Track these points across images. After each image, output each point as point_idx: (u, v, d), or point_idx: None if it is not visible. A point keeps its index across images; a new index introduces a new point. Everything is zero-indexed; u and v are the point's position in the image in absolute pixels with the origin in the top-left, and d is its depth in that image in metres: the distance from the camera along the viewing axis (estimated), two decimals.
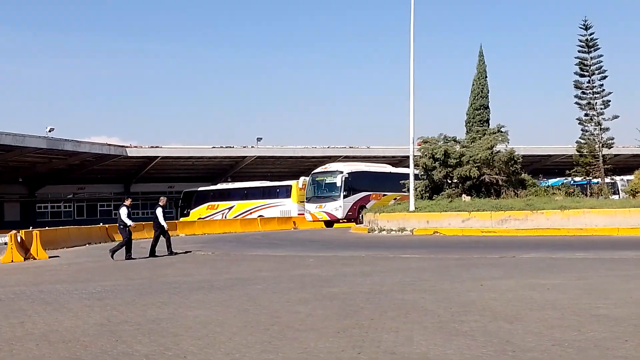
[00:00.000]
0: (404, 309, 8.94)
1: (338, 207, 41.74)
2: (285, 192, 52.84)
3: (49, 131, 47.63)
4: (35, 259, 21.61)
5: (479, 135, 33.45)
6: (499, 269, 13.45)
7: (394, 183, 43.72)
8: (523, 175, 34.22)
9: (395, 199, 43.13)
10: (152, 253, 21.00)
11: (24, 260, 21.08)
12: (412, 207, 29.00)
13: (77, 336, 7.81)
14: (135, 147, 55.09)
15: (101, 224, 36.93)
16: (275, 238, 30.10)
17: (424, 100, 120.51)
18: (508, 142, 33.39)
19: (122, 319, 8.87)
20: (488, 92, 36.30)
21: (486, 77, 36.48)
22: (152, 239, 21.64)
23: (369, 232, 29.93)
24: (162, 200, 21.91)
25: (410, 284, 11.45)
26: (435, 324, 7.85)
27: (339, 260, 16.76)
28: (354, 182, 42.47)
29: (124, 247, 20.53)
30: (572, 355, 6.17)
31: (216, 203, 52.50)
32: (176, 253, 21.55)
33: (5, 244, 22.85)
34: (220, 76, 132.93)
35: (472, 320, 7.98)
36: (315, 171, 45.49)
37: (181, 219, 48.92)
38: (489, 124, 35.45)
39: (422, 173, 33.66)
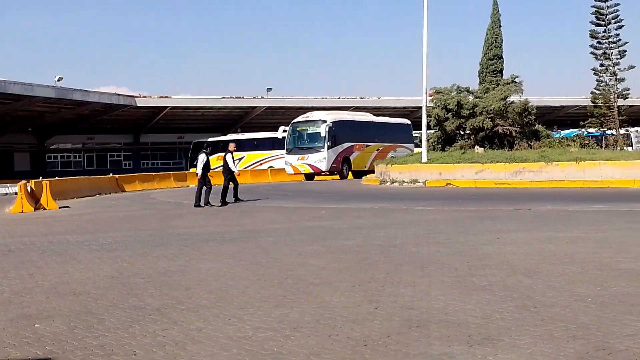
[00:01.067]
0: (420, 262, 8.75)
1: (322, 158, 39.50)
2: None
3: (58, 80, 47.30)
4: (45, 209, 21.53)
5: (493, 85, 32.99)
6: (514, 222, 13.24)
7: (378, 133, 43.50)
8: (537, 126, 33.85)
9: (377, 149, 42.40)
10: (224, 200, 20.76)
11: (34, 210, 21.01)
12: (424, 159, 28.74)
13: (87, 289, 7.66)
14: (145, 97, 54.74)
15: (111, 174, 36.89)
16: (285, 189, 29.93)
17: (436, 51, 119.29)
18: (522, 93, 33.00)
19: (133, 271, 8.73)
20: (502, 42, 35.74)
21: (500, 26, 35.87)
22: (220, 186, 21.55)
23: (380, 184, 29.70)
24: (232, 146, 21.63)
25: (424, 237, 11.26)
26: (452, 278, 7.67)
27: (352, 212, 16.57)
28: (338, 132, 40.46)
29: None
30: (595, 311, 5.97)
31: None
32: (242, 200, 21.41)
33: (16, 193, 22.80)
34: (230, 27, 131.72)
35: (490, 275, 7.78)
36: (296, 120, 42.76)
37: (191, 170, 48.77)
38: (502, 75, 34.98)
39: (434, 124, 33.28)
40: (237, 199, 21.20)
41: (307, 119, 41.95)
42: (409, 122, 48.63)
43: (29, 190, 21.91)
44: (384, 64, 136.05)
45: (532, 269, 8.00)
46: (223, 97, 57.20)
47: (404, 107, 60.85)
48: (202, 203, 20.07)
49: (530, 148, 30.36)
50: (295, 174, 41.10)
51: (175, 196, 27.20)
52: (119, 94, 53.13)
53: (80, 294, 7.37)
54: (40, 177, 27.29)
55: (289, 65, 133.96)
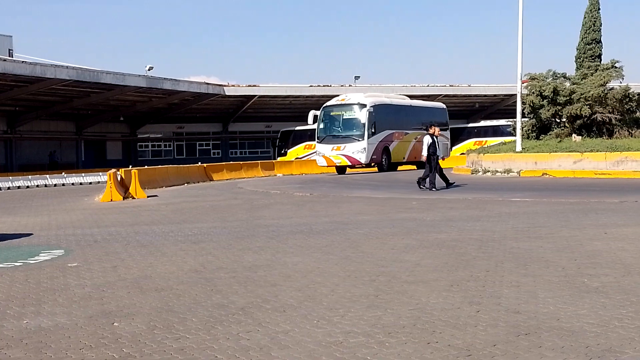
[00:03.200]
0: (522, 259, 8.10)
1: (362, 149, 33.84)
2: None
3: (148, 70, 48.01)
4: (134, 198, 21.64)
5: (591, 71, 31.52)
6: (621, 215, 12.33)
7: (416, 119, 38.52)
8: (638, 114, 32.16)
9: (415, 138, 36.84)
10: (447, 181, 20.32)
11: (123, 199, 21.12)
12: (518, 148, 27.75)
13: (170, 284, 7.34)
14: (233, 86, 54.98)
15: (200, 163, 37.16)
16: (374, 179, 29.36)
17: (530, 36, 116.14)
18: (622, 79, 31.41)
19: (218, 265, 8.38)
20: (601, 26, 34.07)
21: (599, 9, 34.21)
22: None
23: (472, 174, 28.88)
24: (436, 130, 20.61)
25: (524, 231, 10.55)
26: (560, 277, 7.00)
27: (444, 204, 15.89)
28: (378, 118, 34.98)
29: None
30: None
31: (314, 143, 51.70)
32: (424, 188, 20.06)
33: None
34: (318, 15, 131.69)
35: (602, 274, 7.09)
36: (329, 104, 36.83)
37: (279, 159, 48.75)
38: (601, 60, 33.39)
39: (529, 111, 32.01)
40: (421, 184, 19.97)
41: (343, 102, 36.24)
42: (444, 106, 44.18)
43: (119, 179, 22.07)
44: (473, 51, 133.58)
45: None
46: (311, 86, 56.89)
47: (495, 95, 59.27)
48: (426, 185, 19.57)
49: (631, 136, 28.91)
50: (328, 166, 36.03)
51: (262, 185, 27.05)
52: (207, 83, 53.54)
53: (162, 290, 7.05)
54: (130, 166, 27.56)
55: (377, 53, 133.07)
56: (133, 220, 14.70)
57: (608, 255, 8.16)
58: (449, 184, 20.11)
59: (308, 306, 6.14)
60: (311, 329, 5.40)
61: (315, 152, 38.89)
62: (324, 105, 36.64)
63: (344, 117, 35.38)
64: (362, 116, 34.09)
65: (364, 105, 34.52)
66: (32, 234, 12.48)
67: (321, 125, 35.83)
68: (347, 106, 35.54)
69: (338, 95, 38.66)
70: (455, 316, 5.63)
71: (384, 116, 35.75)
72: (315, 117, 35.88)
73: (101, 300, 6.66)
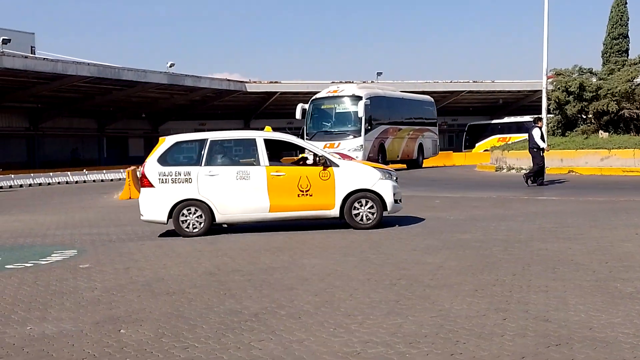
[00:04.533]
0: (550, 262, 7.74)
1: (359, 146, 29.28)
2: None
3: (170, 66, 47.83)
4: None
5: (618, 66, 30.85)
6: None
7: (408, 112, 35.10)
8: None
9: (408, 134, 34.07)
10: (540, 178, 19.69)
11: None
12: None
13: (182, 287, 7.07)
14: (255, 82, 54.79)
15: None
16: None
17: (555, 31, 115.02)
18: None
19: (233, 267, 8.09)
20: (628, 20, 33.40)
21: (626, 3, 33.52)
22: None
23: (496, 171, 28.38)
24: (541, 123, 20.37)
25: (552, 231, 10.17)
26: (591, 282, 6.64)
27: (468, 202, 15.50)
28: (374, 112, 30.62)
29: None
30: None
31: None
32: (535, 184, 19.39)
33: None
34: (339, 10, 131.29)
35: (636, 279, 6.73)
36: (318, 96, 32.08)
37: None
38: (628, 55, 32.72)
39: (554, 108, 31.38)
40: (533, 180, 19.31)
41: (335, 94, 31.41)
42: (432, 99, 39.78)
43: (138, 176, 21.81)
44: (497, 47, 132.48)
45: None
46: (332, 82, 56.45)
47: (519, 91, 58.56)
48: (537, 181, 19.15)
49: None
50: None
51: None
52: (229, 80, 53.37)
53: (174, 294, 6.78)
54: None
55: (400, 49, 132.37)
56: None
57: None
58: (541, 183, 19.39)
59: (325, 312, 5.84)
60: (327, 337, 5.11)
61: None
62: (313, 97, 32.21)
63: (338, 111, 30.92)
64: (359, 109, 29.48)
65: (359, 98, 30.03)
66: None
67: (311, 120, 31.13)
68: (340, 98, 30.96)
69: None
70: (480, 324, 5.31)
71: (379, 110, 31.60)
72: (304, 110, 31.22)
73: (110, 305, 6.40)
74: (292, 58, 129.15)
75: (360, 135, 29.41)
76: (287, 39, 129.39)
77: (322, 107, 31.09)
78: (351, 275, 7.38)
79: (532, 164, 19.89)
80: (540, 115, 23.12)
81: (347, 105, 30.49)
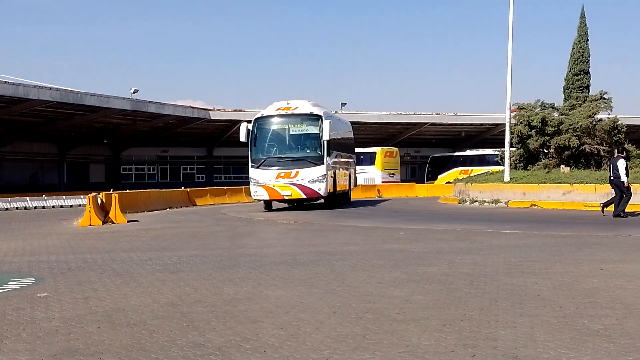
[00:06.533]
0: (517, 296, 7.68)
1: (321, 176, 25.19)
2: (370, 159, 51.33)
3: (133, 92, 47.56)
4: (113, 222, 21.04)
5: (579, 102, 31.43)
6: (616, 250, 11.93)
7: (344, 137, 30.94)
8: (627, 145, 32.02)
9: (346, 162, 30.57)
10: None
11: (102, 224, 20.51)
12: (507, 178, 27.48)
13: (144, 318, 6.86)
14: (219, 110, 54.72)
15: (183, 187, 36.70)
16: (359, 207, 28.91)
17: (518, 65, 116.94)
18: (611, 110, 31.30)
19: (196, 298, 7.90)
20: (589, 57, 34.08)
21: (587, 40, 34.24)
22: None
23: (459, 203, 28.54)
24: (625, 153, 20.14)
25: (517, 265, 10.14)
26: (558, 318, 6.58)
27: (433, 235, 15.47)
28: (332, 135, 26.28)
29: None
30: None
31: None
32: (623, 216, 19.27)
33: None
34: (303, 41, 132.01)
35: (603, 315, 6.67)
36: (266, 113, 26.64)
37: None
38: (589, 91, 33.36)
39: (517, 141, 31.77)
40: (618, 214, 19.13)
41: (288, 111, 26.23)
42: (349, 123, 34.78)
43: (99, 202, 21.52)
44: (460, 80, 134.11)
45: None
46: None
47: (481, 124, 59.28)
48: (619, 211, 18.96)
49: None
50: (270, 199, 26.06)
51: (246, 211, 26.53)
52: (193, 107, 53.22)
53: (135, 325, 6.57)
54: (111, 190, 26.99)
55: (363, 80, 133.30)
56: (111, 246, 14.16)
57: (607, 294, 7.76)
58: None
59: (290, 346, 5.69)
60: None
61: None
62: (258, 115, 26.89)
63: (293, 132, 26.02)
64: (323, 131, 25.05)
65: (318, 117, 25.54)
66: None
67: (259, 143, 26.11)
68: (296, 117, 25.95)
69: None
70: None
71: (334, 133, 26.93)
72: (249, 131, 26.07)
73: (68, 336, 6.18)
74: (256, 86, 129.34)
75: (323, 163, 25.19)
76: (252, 67, 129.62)
77: (273, 127, 26.26)
78: (317, 307, 7.24)
79: (614, 194, 19.46)
80: (625, 145, 22.88)
81: (305, 127, 25.89)
